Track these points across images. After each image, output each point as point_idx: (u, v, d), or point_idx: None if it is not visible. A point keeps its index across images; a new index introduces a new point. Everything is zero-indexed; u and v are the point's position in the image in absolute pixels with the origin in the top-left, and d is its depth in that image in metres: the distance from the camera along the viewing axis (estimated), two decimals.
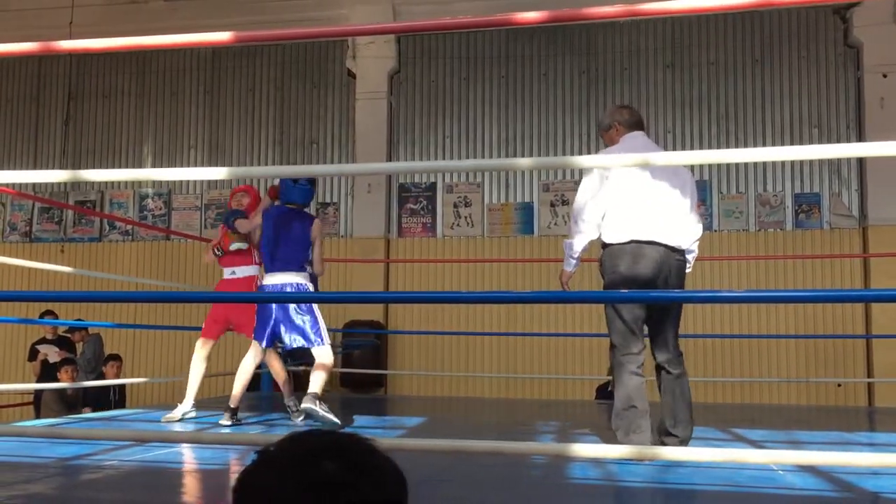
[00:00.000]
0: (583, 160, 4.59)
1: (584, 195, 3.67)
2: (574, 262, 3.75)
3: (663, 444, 3.68)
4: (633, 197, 3.61)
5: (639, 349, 3.64)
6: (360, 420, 5.35)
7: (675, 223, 3.67)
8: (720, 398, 9.11)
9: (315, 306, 4.74)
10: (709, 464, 3.31)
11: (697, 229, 3.80)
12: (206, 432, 4.44)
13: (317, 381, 4.62)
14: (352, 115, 10.55)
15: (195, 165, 10.84)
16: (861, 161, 9.42)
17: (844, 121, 9.59)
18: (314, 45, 10.81)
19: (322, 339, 4.71)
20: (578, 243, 3.69)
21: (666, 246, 3.63)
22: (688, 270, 3.84)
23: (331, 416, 4.47)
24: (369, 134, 10.31)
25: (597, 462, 3.39)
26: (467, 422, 5.92)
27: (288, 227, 4.81)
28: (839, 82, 9.65)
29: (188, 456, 3.59)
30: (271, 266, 4.79)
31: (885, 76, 9.29)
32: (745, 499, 2.92)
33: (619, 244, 3.62)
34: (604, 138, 3.97)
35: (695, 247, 3.82)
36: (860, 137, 9.36)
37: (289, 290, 4.72)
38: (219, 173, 3.87)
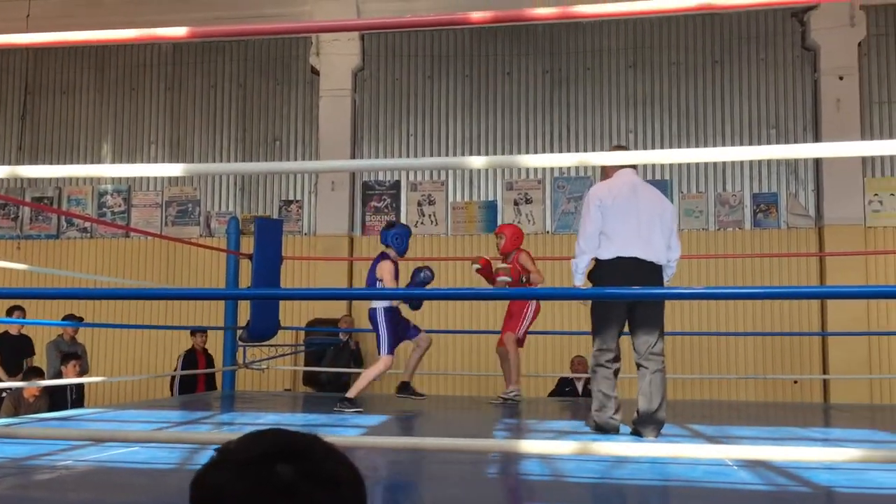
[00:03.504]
0: (534, 159, 4.63)
1: (585, 222, 4.38)
2: (581, 276, 4.44)
3: (638, 434, 4.19)
4: (620, 221, 4.30)
5: (614, 347, 4.31)
6: (321, 419, 5.34)
7: (653, 242, 4.32)
8: (678, 395, 9.20)
9: (385, 323, 5.77)
10: (663, 459, 3.36)
11: (674, 253, 4.45)
12: (161, 431, 4.40)
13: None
14: (315, 113, 10.50)
15: (155, 162, 10.71)
16: (817, 162, 9.59)
17: (802, 122, 9.76)
18: (277, 42, 10.74)
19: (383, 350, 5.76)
20: (582, 262, 4.41)
21: (644, 261, 4.28)
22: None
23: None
24: (333, 131, 10.26)
25: (552, 458, 3.41)
26: (430, 420, 5.93)
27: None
28: (797, 84, 9.82)
29: (143, 456, 3.55)
30: None
31: (841, 78, 9.47)
32: (698, 494, 2.95)
33: (607, 259, 4.31)
34: (602, 173, 4.72)
35: (674, 265, 4.47)
36: (817, 138, 9.52)
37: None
38: (176, 169, 3.83)
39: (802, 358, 9.35)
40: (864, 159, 9.47)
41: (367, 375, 5.81)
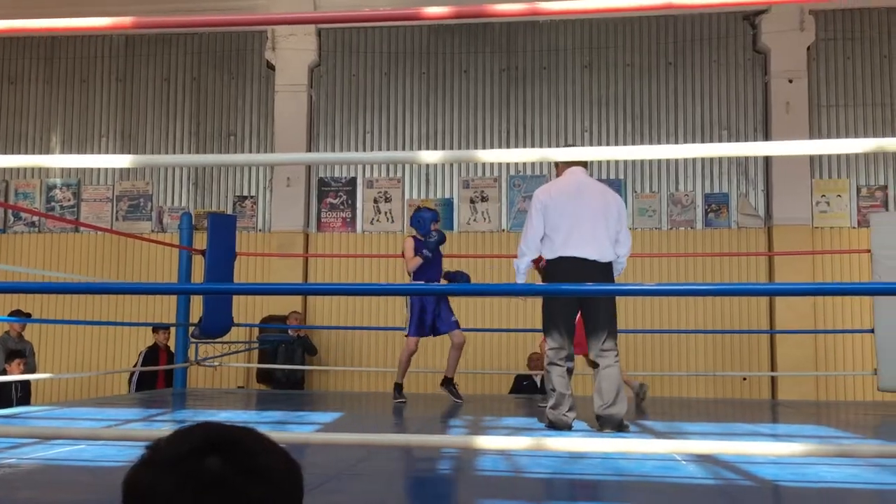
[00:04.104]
0: (485, 154, 4.68)
1: (527, 224, 4.48)
2: (522, 276, 4.58)
3: (600, 427, 4.29)
4: (561, 221, 4.37)
5: (566, 345, 4.36)
6: (274, 416, 5.29)
7: (598, 240, 4.36)
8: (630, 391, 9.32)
9: (412, 304, 6.01)
10: (614, 454, 3.39)
11: (622, 247, 4.51)
12: (108, 429, 4.32)
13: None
14: (271, 108, 10.40)
15: (106, 154, 10.51)
16: (767, 163, 9.78)
17: (752, 124, 9.94)
18: (232, 35, 10.61)
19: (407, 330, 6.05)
20: (522, 263, 4.54)
21: (587, 259, 4.32)
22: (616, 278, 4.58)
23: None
24: (289, 127, 10.18)
25: (506, 454, 3.43)
26: (384, 417, 5.91)
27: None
28: (748, 86, 10.00)
29: (89, 453, 3.49)
30: None
31: (790, 81, 9.67)
32: (648, 488, 2.99)
33: (552, 259, 4.41)
34: (556, 171, 4.79)
35: (623, 260, 4.54)
36: (767, 140, 9.70)
37: None
38: (126, 161, 3.77)
39: (752, 355, 9.54)
40: (811, 162, 9.69)
41: (399, 361, 6.24)
